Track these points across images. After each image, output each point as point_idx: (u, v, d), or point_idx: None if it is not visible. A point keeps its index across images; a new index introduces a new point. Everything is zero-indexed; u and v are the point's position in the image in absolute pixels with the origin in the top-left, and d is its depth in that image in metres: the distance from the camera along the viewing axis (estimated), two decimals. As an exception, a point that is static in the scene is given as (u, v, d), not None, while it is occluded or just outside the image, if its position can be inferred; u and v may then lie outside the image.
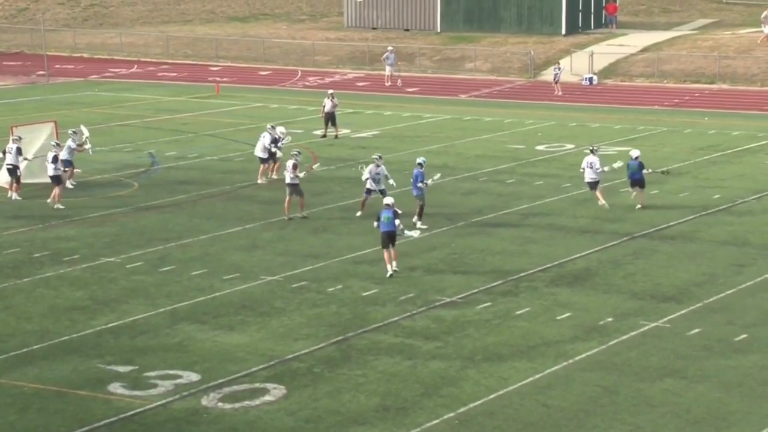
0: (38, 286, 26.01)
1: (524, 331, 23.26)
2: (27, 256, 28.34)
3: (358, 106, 52.59)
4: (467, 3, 69.75)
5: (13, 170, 34.24)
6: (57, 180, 33.04)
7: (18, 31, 76.34)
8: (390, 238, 26.72)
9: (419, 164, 31.36)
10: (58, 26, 76.96)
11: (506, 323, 23.78)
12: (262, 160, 36.21)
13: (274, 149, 36.15)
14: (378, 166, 32.03)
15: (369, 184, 31.98)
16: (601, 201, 33.03)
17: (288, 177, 31.97)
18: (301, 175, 32.23)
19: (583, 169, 33.37)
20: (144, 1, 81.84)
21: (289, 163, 32.14)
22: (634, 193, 33.40)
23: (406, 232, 27.14)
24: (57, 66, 65.27)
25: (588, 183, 33.38)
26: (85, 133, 36.46)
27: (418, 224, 30.37)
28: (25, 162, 34.53)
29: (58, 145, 34.09)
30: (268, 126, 37.03)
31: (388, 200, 27.30)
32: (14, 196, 34.05)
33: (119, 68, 66.70)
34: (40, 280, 26.51)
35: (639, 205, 33.05)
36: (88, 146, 36.24)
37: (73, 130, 36.38)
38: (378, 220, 27.00)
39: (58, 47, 71.69)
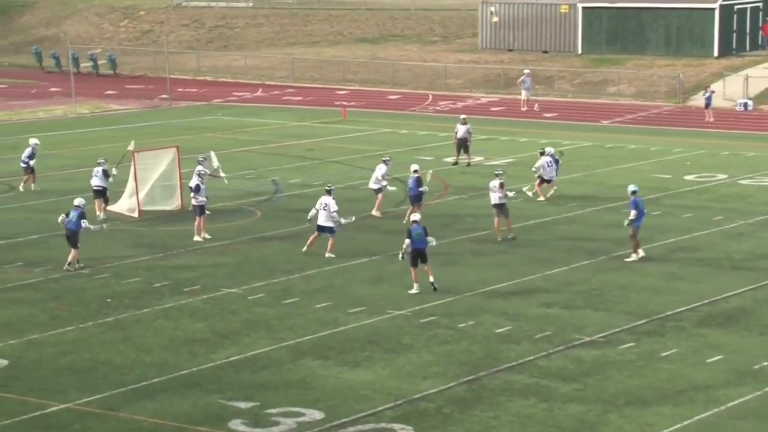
0: (158, 317, 26.53)
1: (671, 374, 22.91)
2: (147, 286, 28.94)
3: (492, 132, 52.56)
4: (610, 23, 69.30)
5: (102, 192, 35.78)
6: (198, 210, 33.50)
7: (141, 53, 78.27)
8: (420, 255, 27.90)
9: (414, 171, 33.98)
10: (182, 48, 78.69)
11: (651, 365, 23.45)
12: (376, 192, 36.28)
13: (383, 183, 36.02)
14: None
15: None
16: None
17: (495, 197, 32.85)
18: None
19: None
20: (270, 22, 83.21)
21: (496, 183, 32.91)
22: None
23: (430, 240, 28.40)
24: (180, 89, 66.70)
25: None
26: (215, 161, 37.10)
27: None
28: (112, 180, 35.97)
29: (202, 175, 34.38)
30: (385, 158, 37.10)
31: (416, 216, 28.89)
32: (101, 215, 35.31)
33: (243, 92, 67.86)
34: (160, 310, 27.04)
35: None
36: (223, 175, 36.97)
37: (203, 156, 37.10)
38: (409, 236, 28.09)
39: (182, 70, 73.28)
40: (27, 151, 40.06)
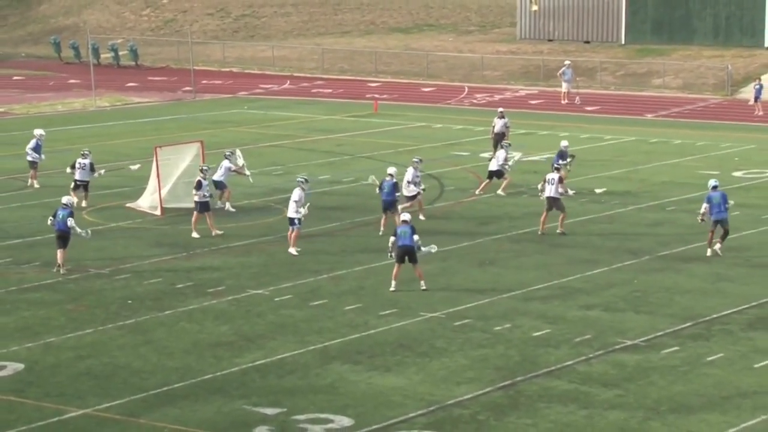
0: (181, 320, 26.70)
1: (717, 380, 22.89)
2: (169, 287, 29.13)
3: (531, 126, 52.55)
4: (656, 12, 69.12)
5: (84, 185, 36.75)
6: (202, 207, 33.72)
7: (164, 44, 78.64)
8: (406, 253, 28.31)
9: (390, 175, 33.67)
10: (207, 38, 79.02)
11: (696, 370, 23.44)
12: (409, 198, 35.84)
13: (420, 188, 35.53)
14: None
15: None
16: None
17: (550, 190, 33.29)
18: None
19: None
20: (298, 11, 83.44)
21: (555, 176, 33.38)
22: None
23: (423, 248, 28.54)
24: (204, 81, 67.00)
25: None
26: (240, 159, 37.30)
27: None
28: (98, 176, 36.88)
29: (204, 171, 34.66)
30: (414, 159, 36.57)
31: (406, 216, 29.23)
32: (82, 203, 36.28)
33: (270, 84, 68.10)
34: (183, 312, 27.21)
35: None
36: (248, 173, 37.23)
37: (230, 151, 37.36)
38: (395, 235, 28.58)
39: (206, 61, 73.60)
40: (32, 143, 40.07)
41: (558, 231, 33.52)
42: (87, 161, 36.90)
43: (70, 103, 61.08)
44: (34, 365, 23.84)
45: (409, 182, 35.14)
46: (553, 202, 33.55)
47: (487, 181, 38.87)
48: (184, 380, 23.02)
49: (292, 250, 31.69)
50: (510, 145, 40.16)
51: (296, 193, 31.88)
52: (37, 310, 27.30)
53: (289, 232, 32.02)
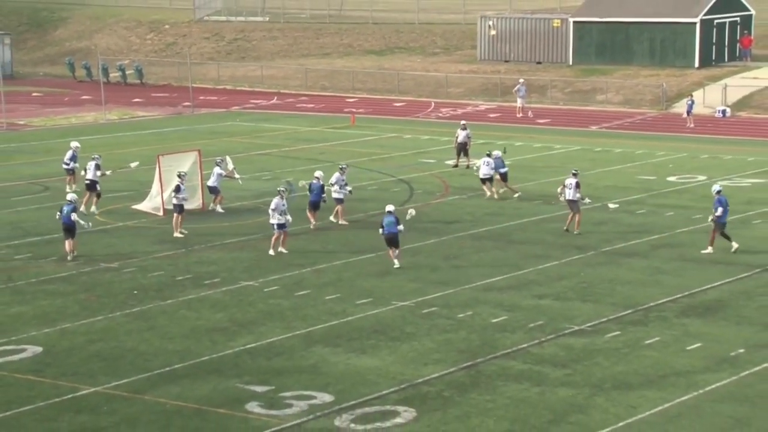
0: (181, 308, 26.56)
1: (654, 361, 22.90)
2: (170, 279, 28.97)
3: (490, 137, 52.51)
4: (600, 36, 69.19)
5: (92, 185, 36.15)
6: (178, 209, 33.58)
7: (166, 64, 78.30)
8: (391, 239, 29.46)
9: (317, 178, 34.03)
10: (203, 60, 78.71)
11: (635, 352, 23.44)
12: (337, 201, 35.35)
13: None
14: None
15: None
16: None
17: (570, 193, 33.13)
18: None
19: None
20: (285, 35, 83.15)
21: (573, 181, 33.32)
22: None
23: (406, 218, 30.61)
24: (201, 97, 66.72)
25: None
26: (230, 164, 37.31)
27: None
28: (105, 176, 36.43)
29: (181, 176, 34.47)
30: (341, 165, 36.10)
31: (390, 207, 30.03)
32: (93, 209, 35.69)
33: (260, 99, 67.86)
34: (183, 302, 27.07)
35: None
36: (237, 176, 37.17)
37: (220, 158, 37.30)
38: (382, 226, 29.51)
39: (203, 79, 73.30)
40: (68, 154, 39.95)
41: (575, 232, 33.29)
42: (94, 162, 36.55)
43: (82, 117, 60.72)
44: (51, 348, 23.69)
45: (333, 184, 34.77)
46: (572, 204, 33.41)
47: (496, 187, 38.37)
48: (183, 361, 22.91)
49: (282, 249, 31.41)
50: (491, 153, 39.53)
51: (274, 202, 31.54)
52: (54, 300, 27.13)
53: (274, 236, 31.58)
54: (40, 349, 23.64)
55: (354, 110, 61.58)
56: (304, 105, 65.42)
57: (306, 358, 23.11)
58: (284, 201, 31.54)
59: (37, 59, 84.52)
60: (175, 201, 33.54)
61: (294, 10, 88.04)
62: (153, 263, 30.49)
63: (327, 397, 20.98)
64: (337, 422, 19.92)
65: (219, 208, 36.45)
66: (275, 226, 31.30)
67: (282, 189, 32.09)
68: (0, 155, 48.09)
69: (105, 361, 22.93)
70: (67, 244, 30.46)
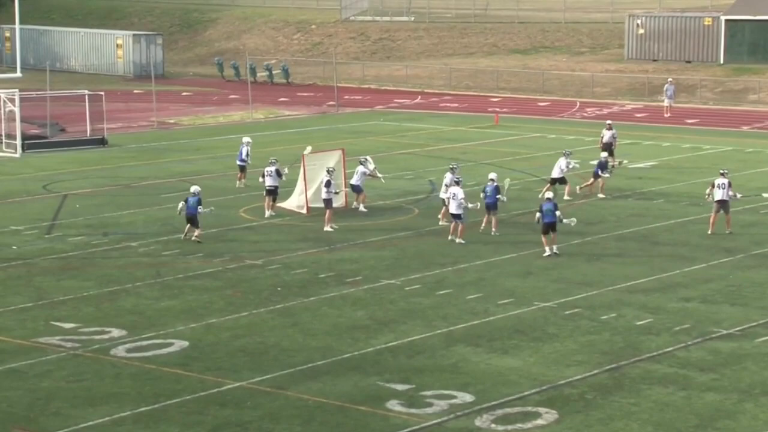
0: (323, 305, 26.84)
1: (805, 367, 22.26)
2: (313, 277, 29.30)
3: (637, 137, 51.74)
4: (752, 35, 67.55)
5: (273, 191, 35.90)
6: (328, 203, 34.09)
7: (312, 64, 79.26)
8: (551, 227, 30.15)
9: (452, 169, 34.14)
10: (349, 59, 79.42)
11: (786, 358, 22.82)
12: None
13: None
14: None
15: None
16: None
17: (721, 194, 32.86)
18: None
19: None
20: (429, 35, 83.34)
21: (725, 181, 32.98)
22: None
23: (564, 220, 30.50)
24: (346, 97, 67.32)
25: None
26: (371, 164, 37.52)
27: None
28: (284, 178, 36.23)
29: (330, 172, 34.88)
30: (452, 165, 35.98)
31: (549, 194, 31.02)
32: (268, 213, 35.71)
33: (404, 99, 68.15)
34: (325, 299, 27.34)
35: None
36: (380, 175, 37.48)
37: (364, 157, 37.59)
38: (540, 211, 30.16)
39: (348, 79, 73.96)
40: (243, 150, 40.31)
41: (726, 231, 32.85)
42: (273, 168, 36.03)
43: (230, 116, 61.87)
44: (198, 343, 24.17)
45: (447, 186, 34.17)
46: (722, 205, 32.93)
47: (566, 187, 38.06)
48: (325, 358, 23.13)
49: (459, 240, 32.06)
50: (571, 153, 39.23)
51: (452, 191, 32.31)
52: (200, 295, 27.68)
53: (452, 225, 32.53)
54: (186, 343, 24.13)
55: (498, 110, 61.35)
56: (448, 104, 65.45)
57: (447, 357, 23.12)
58: (463, 192, 32.19)
59: (187, 59, 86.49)
60: (325, 195, 34.02)
61: (439, 10, 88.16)
62: (297, 260, 30.87)
63: (468, 397, 20.94)
64: (477, 422, 19.87)
65: (362, 207, 36.74)
66: (457, 216, 32.05)
67: (460, 178, 33.07)
68: (151, 153, 49.35)
69: (249, 357, 23.29)
70: (188, 228, 32.47)
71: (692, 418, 19.90)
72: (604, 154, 39.67)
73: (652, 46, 70.79)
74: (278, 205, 36.76)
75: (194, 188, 33.15)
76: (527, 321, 25.39)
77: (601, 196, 38.19)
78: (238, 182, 40.52)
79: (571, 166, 38.27)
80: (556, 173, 38.07)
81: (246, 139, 41.27)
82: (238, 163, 40.68)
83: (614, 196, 38.40)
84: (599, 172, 38.39)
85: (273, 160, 36.63)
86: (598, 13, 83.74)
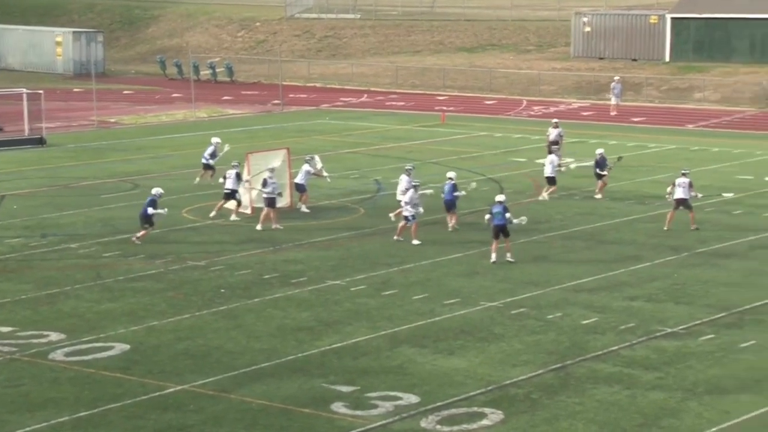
0: (267, 307, 26.78)
1: (749, 365, 22.54)
2: (258, 278, 29.23)
3: (583, 136, 52.12)
4: (698, 33, 68.31)
5: (231, 194, 35.50)
6: (268, 202, 34.13)
7: (256, 62, 79.05)
8: (501, 230, 29.73)
9: (270, 170, 34.10)
10: (294, 57, 79.30)
11: (730, 356, 23.09)
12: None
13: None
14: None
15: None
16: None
17: (681, 192, 33.21)
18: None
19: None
20: (375, 32, 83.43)
21: (685, 180, 33.30)
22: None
23: (515, 220, 30.09)
24: (291, 95, 67.21)
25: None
26: (319, 163, 37.54)
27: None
28: (247, 185, 35.72)
29: (271, 170, 34.81)
30: (407, 167, 36.16)
31: (500, 197, 30.39)
32: (234, 217, 35.37)
33: (350, 97, 68.16)
34: (270, 300, 27.29)
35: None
36: (326, 174, 37.44)
37: (309, 156, 37.56)
38: (490, 214, 29.95)
39: (293, 77, 73.83)
40: (209, 149, 40.26)
41: (692, 228, 33.20)
42: (234, 171, 35.62)
43: (173, 114, 61.55)
44: (139, 346, 24.02)
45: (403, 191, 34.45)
46: (683, 203, 33.33)
47: (553, 187, 38.22)
48: (269, 360, 23.09)
49: (414, 241, 32.09)
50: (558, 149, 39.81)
51: (408, 195, 32.37)
52: (142, 297, 27.52)
53: (401, 225, 32.54)
54: (127, 346, 23.96)
55: (444, 108, 61.53)
56: (394, 103, 65.54)
57: (392, 359, 23.15)
58: (417, 193, 32.26)
59: (128, 57, 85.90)
60: (264, 194, 33.96)
61: (386, 7, 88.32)
62: (241, 261, 30.78)
63: (413, 398, 20.99)
64: (423, 423, 19.92)
65: (304, 208, 36.63)
66: (408, 218, 32.06)
67: (417, 183, 33.02)
68: (91, 153, 48.97)
69: (192, 359, 23.19)
70: (143, 232, 32.26)
71: (637, 416, 20.09)
72: (599, 150, 39.25)
73: (598, 44, 71.34)
74: (224, 205, 36.44)
75: (154, 190, 33.10)
76: (473, 321, 25.49)
77: (598, 197, 38.11)
78: (198, 178, 40.43)
79: (559, 163, 38.80)
80: (548, 172, 38.11)
81: (215, 139, 41.12)
82: (202, 161, 40.60)
83: (560, 195, 38.62)
84: (599, 171, 38.26)
85: (235, 164, 36.25)
86: (545, 11, 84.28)
